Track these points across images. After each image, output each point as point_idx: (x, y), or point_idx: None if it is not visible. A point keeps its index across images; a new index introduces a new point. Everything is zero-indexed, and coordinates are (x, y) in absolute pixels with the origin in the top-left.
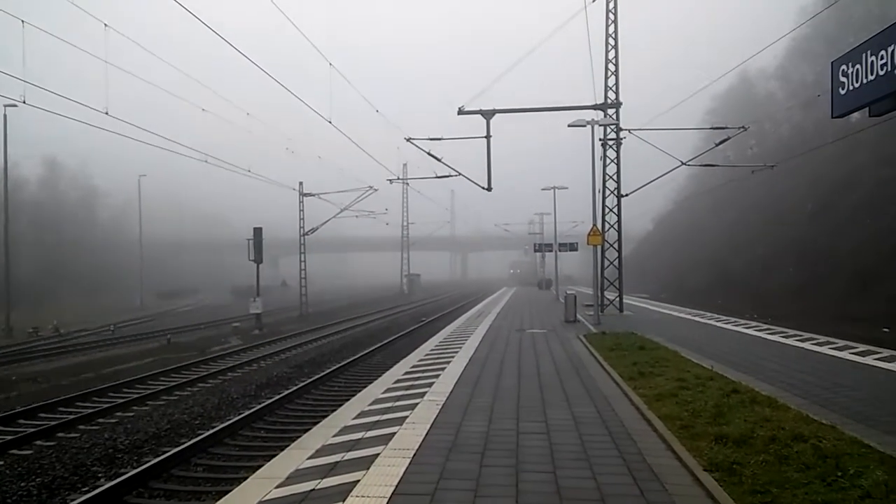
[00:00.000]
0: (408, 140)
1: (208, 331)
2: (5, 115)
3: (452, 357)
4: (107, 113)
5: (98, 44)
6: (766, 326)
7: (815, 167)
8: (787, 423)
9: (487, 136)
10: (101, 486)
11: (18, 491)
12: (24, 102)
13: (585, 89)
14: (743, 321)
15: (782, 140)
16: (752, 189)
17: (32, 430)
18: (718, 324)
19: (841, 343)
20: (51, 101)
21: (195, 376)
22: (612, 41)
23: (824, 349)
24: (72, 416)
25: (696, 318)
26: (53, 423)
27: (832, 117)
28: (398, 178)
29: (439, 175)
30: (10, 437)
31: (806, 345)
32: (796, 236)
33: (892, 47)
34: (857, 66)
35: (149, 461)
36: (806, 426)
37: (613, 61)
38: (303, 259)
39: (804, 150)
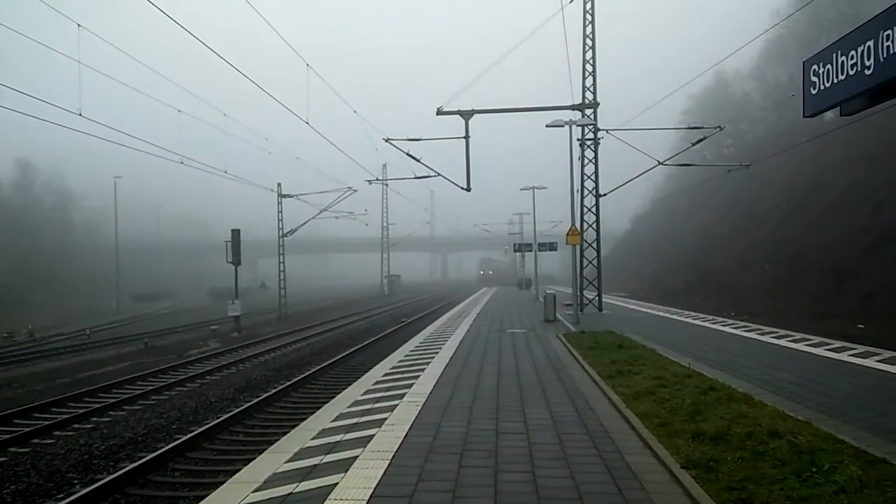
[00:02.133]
0: (386, 140)
1: (186, 334)
2: None
3: (433, 357)
4: (80, 114)
5: (71, 44)
6: (742, 324)
7: (789, 166)
8: (764, 420)
9: (466, 137)
10: (77, 492)
11: None
12: None
13: (563, 90)
14: (720, 319)
15: (758, 139)
16: (728, 188)
17: (6, 436)
18: (696, 322)
19: (816, 340)
20: (22, 101)
21: (173, 380)
22: (589, 42)
23: (800, 346)
24: (47, 422)
25: (674, 317)
26: (28, 429)
27: (804, 116)
28: (377, 179)
29: (418, 176)
30: None
31: (782, 342)
32: (772, 235)
33: (861, 47)
34: (828, 65)
35: (125, 467)
36: (782, 422)
37: (591, 62)
38: (282, 261)
39: (779, 149)
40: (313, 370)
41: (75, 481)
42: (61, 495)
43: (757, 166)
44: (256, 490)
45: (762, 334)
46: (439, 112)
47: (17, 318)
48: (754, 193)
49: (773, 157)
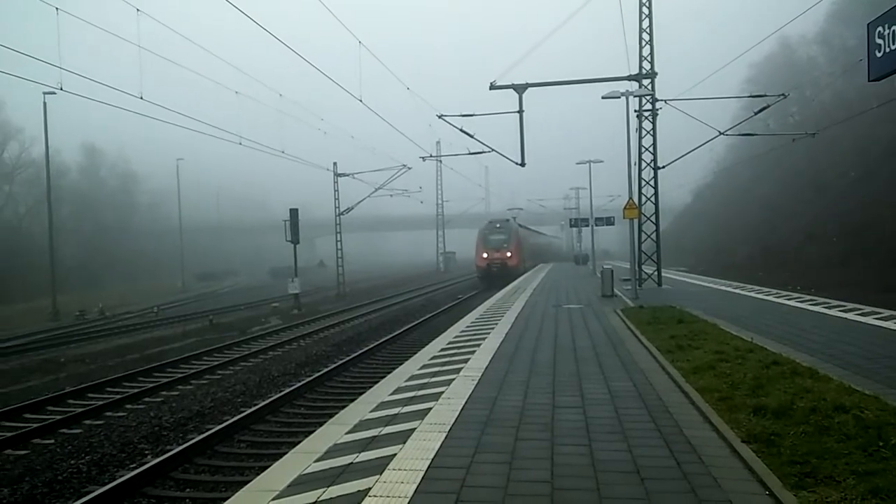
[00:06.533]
0: (440, 117)
1: (248, 311)
2: (45, 103)
3: (489, 333)
4: (141, 98)
5: (131, 29)
6: (808, 297)
7: (857, 134)
8: (829, 394)
9: (520, 111)
10: (148, 462)
11: (69, 468)
12: (61, 89)
13: (620, 61)
14: (785, 293)
15: (824, 107)
16: (793, 158)
17: (81, 409)
18: (759, 296)
19: (886, 313)
20: (87, 87)
21: (237, 355)
22: (645, 10)
23: (868, 319)
24: (119, 396)
25: (737, 291)
26: (101, 402)
27: (868, 80)
28: (431, 156)
29: (472, 151)
30: (59, 417)
31: (849, 315)
32: (839, 205)
33: None
34: (894, 27)
35: (193, 438)
36: (847, 397)
37: (647, 31)
38: (339, 239)
39: (846, 116)
40: (371, 346)
41: (147, 452)
42: (134, 464)
43: (823, 135)
44: (318, 460)
45: (829, 308)
46: (492, 86)
47: (87, 297)
48: (820, 163)
49: (840, 125)
